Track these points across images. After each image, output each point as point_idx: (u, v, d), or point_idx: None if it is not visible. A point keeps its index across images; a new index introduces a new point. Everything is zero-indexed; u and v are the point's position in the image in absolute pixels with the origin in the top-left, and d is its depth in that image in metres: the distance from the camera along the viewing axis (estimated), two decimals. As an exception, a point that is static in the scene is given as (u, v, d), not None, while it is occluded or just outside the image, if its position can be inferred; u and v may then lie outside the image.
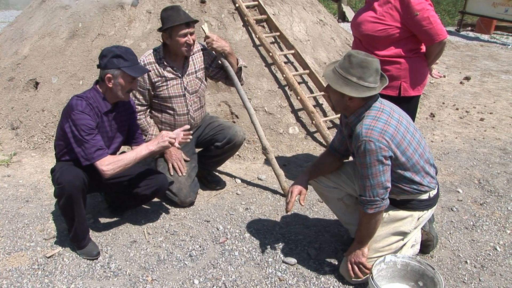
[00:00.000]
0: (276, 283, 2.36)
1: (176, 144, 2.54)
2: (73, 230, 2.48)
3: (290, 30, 4.77)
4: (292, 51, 4.41)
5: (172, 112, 3.06)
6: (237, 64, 3.13)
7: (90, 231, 2.64)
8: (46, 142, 3.95)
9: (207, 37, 3.02)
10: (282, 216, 3.01)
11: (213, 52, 3.07)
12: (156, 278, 2.37)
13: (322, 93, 4.20)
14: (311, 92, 4.44)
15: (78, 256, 2.53)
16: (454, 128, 4.73)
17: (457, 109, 5.30)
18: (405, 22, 2.74)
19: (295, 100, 4.25)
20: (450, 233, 2.84)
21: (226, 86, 4.01)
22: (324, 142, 4.03)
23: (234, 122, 4.03)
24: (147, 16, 4.43)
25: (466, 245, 2.72)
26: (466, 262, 2.56)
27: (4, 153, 3.84)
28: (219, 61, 3.13)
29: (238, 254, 2.59)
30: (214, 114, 3.76)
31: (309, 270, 2.46)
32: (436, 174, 2.35)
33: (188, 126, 2.65)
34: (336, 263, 2.52)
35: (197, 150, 3.31)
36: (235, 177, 3.55)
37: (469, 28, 10.81)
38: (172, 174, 3.03)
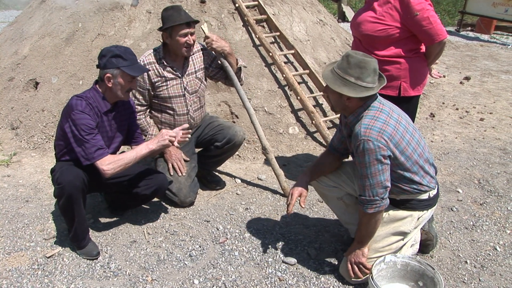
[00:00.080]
0: (276, 283, 2.36)
1: (175, 143, 2.54)
2: (73, 230, 2.48)
3: (290, 30, 4.77)
4: (292, 51, 4.41)
5: (172, 112, 3.06)
6: (237, 64, 3.13)
7: (90, 231, 2.64)
8: (46, 142, 3.95)
9: (206, 37, 3.02)
10: (282, 216, 3.01)
11: (213, 52, 3.07)
12: (156, 278, 2.37)
13: (322, 93, 4.20)
14: (311, 92, 4.44)
15: (78, 256, 2.53)
16: (454, 128, 4.73)
17: (457, 109, 5.30)
18: (405, 22, 2.74)
19: (295, 100, 4.25)
20: (450, 233, 2.84)
21: (226, 86, 4.01)
22: (324, 142, 4.03)
23: (234, 122, 4.03)
24: (147, 16, 4.43)
25: (466, 245, 2.72)
26: (466, 262, 2.56)
27: (4, 153, 3.84)
28: (219, 61, 3.13)
29: (238, 254, 2.59)
30: (214, 114, 3.76)
31: (309, 270, 2.46)
32: (435, 174, 2.35)
33: (187, 125, 2.64)
34: (336, 263, 2.52)
35: (197, 150, 3.31)
36: (235, 177, 3.55)
37: (469, 28, 10.81)
38: (172, 174, 3.03)
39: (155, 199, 3.06)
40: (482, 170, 3.75)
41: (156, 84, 2.95)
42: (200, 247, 2.65)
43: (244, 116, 3.99)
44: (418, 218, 2.32)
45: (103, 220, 2.90)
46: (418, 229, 2.42)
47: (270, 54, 4.23)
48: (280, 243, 2.70)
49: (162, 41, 2.98)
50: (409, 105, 2.89)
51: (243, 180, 3.51)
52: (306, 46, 4.81)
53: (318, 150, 4.02)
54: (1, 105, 4.36)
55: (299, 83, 4.31)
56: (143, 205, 3.01)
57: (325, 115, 4.36)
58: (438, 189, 2.39)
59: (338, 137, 2.48)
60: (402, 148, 2.14)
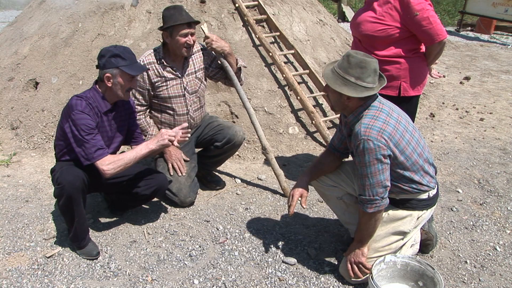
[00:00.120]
0: (276, 283, 2.36)
1: (175, 143, 2.54)
2: (73, 230, 2.48)
3: (290, 30, 4.77)
4: (292, 51, 4.41)
5: (171, 112, 3.06)
6: (237, 64, 3.13)
7: (90, 231, 2.64)
8: (46, 142, 3.95)
9: (206, 37, 3.03)
10: (282, 216, 3.01)
11: (213, 52, 3.07)
12: (156, 278, 2.37)
13: (322, 93, 4.20)
14: (311, 92, 4.44)
15: (78, 256, 2.53)
16: (454, 128, 4.73)
17: (457, 109, 5.30)
18: (404, 22, 2.74)
19: (295, 100, 4.25)
20: (450, 233, 2.84)
21: (225, 86, 4.01)
22: (324, 142, 4.03)
23: (234, 122, 4.03)
24: (147, 16, 4.43)
25: (466, 245, 2.72)
26: (466, 262, 2.56)
27: (4, 153, 3.84)
28: (219, 61, 3.13)
29: (238, 254, 2.59)
30: (214, 114, 3.76)
31: (309, 270, 2.46)
32: (435, 174, 2.35)
33: (186, 124, 2.64)
34: (336, 263, 2.52)
35: (197, 150, 3.31)
36: (235, 177, 3.55)
37: (469, 28, 10.81)
38: (172, 174, 3.03)
39: (155, 199, 3.06)
40: (482, 170, 3.75)
41: (156, 84, 2.95)
42: (200, 247, 2.65)
43: (244, 116, 3.99)
44: (418, 218, 2.32)
45: (103, 220, 2.90)
46: (417, 229, 2.42)
47: (270, 54, 4.23)
48: (280, 243, 2.70)
49: (162, 41, 2.98)
50: (409, 105, 2.89)
51: (243, 180, 3.51)
52: (306, 46, 4.81)
53: (318, 150, 4.02)
54: (1, 105, 4.36)
55: (299, 83, 4.31)
56: (143, 205, 3.01)
57: (325, 115, 4.36)
58: (437, 189, 2.39)
59: (338, 136, 2.49)
60: (402, 147, 2.14)
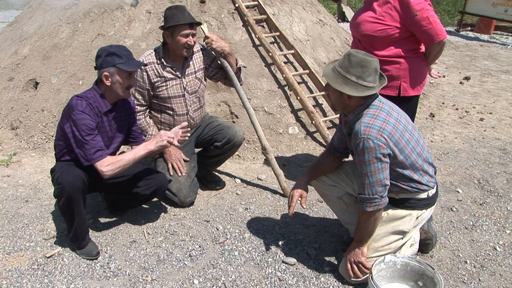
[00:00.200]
0: (276, 283, 2.36)
1: (175, 142, 2.55)
2: (73, 230, 2.48)
3: (289, 30, 4.77)
4: (292, 51, 4.41)
5: (171, 112, 3.06)
6: (237, 64, 3.14)
7: (90, 231, 2.64)
8: (46, 142, 3.95)
9: (206, 37, 3.03)
10: (282, 216, 3.01)
11: (213, 52, 3.07)
12: (155, 278, 2.37)
13: (322, 93, 4.21)
14: (311, 92, 4.44)
15: (77, 256, 2.53)
16: (453, 128, 4.73)
17: (456, 109, 5.31)
18: (404, 22, 2.74)
19: (294, 100, 4.25)
20: (449, 233, 2.84)
21: (225, 86, 4.01)
22: (323, 142, 4.03)
23: (233, 122, 4.03)
24: (146, 16, 4.43)
25: (466, 245, 2.72)
26: (465, 262, 2.56)
27: (4, 153, 3.84)
28: (219, 62, 3.13)
29: (237, 254, 2.59)
30: (214, 114, 3.76)
31: (309, 270, 2.46)
32: (435, 174, 2.36)
33: (185, 124, 2.65)
34: (336, 263, 2.52)
35: (197, 150, 3.31)
36: (234, 177, 3.55)
37: (469, 28, 10.81)
38: (171, 174, 3.03)
39: (155, 199, 3.06)
40: (482, 170, 3.75)
41: (156, 84, 2.95)
42: (200, 247, 2.65)
43: (244, 116, 4.00)
44: (417, 217, 2.32)
45: (103, 220, 2.90)
46: (417, 229, 2.42)
47: (270, 54, 4.23)
48: (280, 243, 2.70)
49: (162, 41, 2.98)
50: (408, 105, 2.89)
51: (243, 180, 3.51)
52: (306, 46, 4.81)
53: (318, 150, 4.02)
54: (1, 105, 4.36)
55: (299, 83, 4.31)
56: (143, 205, 3.01)
57: (325, 115, 4.36)
58: (437, 189, 2.39)
59: (338, 136, 2.49)
60: (401, 146, 2.14)
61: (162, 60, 2.94)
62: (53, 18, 4.76)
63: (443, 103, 5.48)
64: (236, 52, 4.17)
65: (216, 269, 2.45)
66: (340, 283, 2.37)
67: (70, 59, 4.35)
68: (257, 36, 4.36)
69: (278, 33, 4.49)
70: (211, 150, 3.24)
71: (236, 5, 4.51)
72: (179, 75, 3.00)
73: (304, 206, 2.47)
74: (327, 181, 2.53)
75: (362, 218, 2.22)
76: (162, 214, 2.99)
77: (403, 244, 2.38)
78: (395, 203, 2.31)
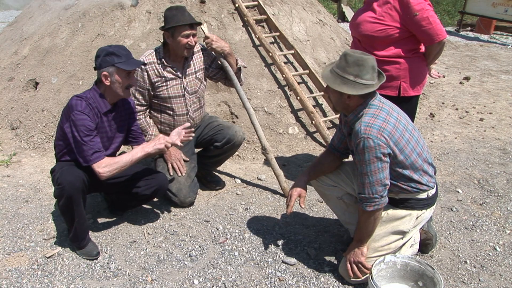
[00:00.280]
0: (276, 283, 2.36)
1: (178, 142, 2.56)
2: (73, 230, 2.48)
3: (289, 30, 4.77)
4: (292, 51, 4.41)
5: (171, 112, 3.06)
6: (237, 65, 3.14)
7: (90, 231, 2.64)
8: (46, 142, 3.95)
9: (206, 37, 3.03)
10: (282, 216, 3.02)
11: (213, 52, 3.08)
12: (155, 278, 2.37)
13: (322, 93, 4.20)
14: (311, 92, 4.44)
15: (77, 256, 2.53)
16: (453, 128, 4.74)
17: (456, 109, 5.31)
18: (404, 23, 2.74)
19: (294, 100, 4.25)
20: (449, 233, 2.84)
21: (225, 87, 4.01)
22: (323, 142, 4.03)
23: (233, 122, 4.03)
24: (146, 16, 4.43)
25: (466, 245, 2.72)
26: (465, 262, 2.56)
27: (4, 153, 3.84)
28: (219, 62, 3.13)
29: (237, 254, 2.59)
30: (214, 114, 3.76)
31: (308, 270, 2.46)
32: (434, 174, 2.36)
33: (188, 124, 2.66)
34: (336, 263, 2.52)
35: (197, 150, 3.31)
36: (234, 177, 3.55)
37: (469, 28, 10.82)
38: (171, 174, 3.03)
39: (155, 199, 3.06)
40: (482, 170, 3.76)
41: (156, 84, 2.95)
42: (200, 247, 2.65)
43: (243, 116, 4.00)
44: (417, 217, 2.32)
45: (103, 220, 2.90)
46: (417, 229, 2.42)
47: (270, 54, 4.23)
48: (280, 243, 2.70)
49: (162, 41, 2.98)
50: (408, 105, 2.89)
51: (243, 180, 3.51)
52: (306, 46, 4.81)
53: (317, 150, 4.02)
54: (1, 105, 4.36)
55: (299, 83, 4.31)
56: (143, 205, 3.01)
57: (324, 115, 4.36)
58: (437, 189, 2.39)
59: (339, 136, 2.49)
60: (401, 146, 2.15)
61: (163, 60, 2.94)
62: (53, 18, 4.76)
63: (443, 103, 5.48)
64: (236, 52, 4.18)
65: (216, 269, 2.45)
66: (340, 283, 2.37)
67: (70, 59, 4.35)
68: (257, 36, 4.36)
69: (278, 33, 4.49)
70: (211, 150, 3.24)
71: (236, 5, 4.51)
72: (180, 75, 3.00)
73: (303, 206, 2.47)
74: (327, 181, 2.53)
75: (362, 218, 2.22)
76: (162, 214, 2.99)
77: (403, 244, 2.38)
78: (395, 203, 2.32)
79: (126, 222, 2.87)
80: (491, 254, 2.64)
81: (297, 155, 3.96)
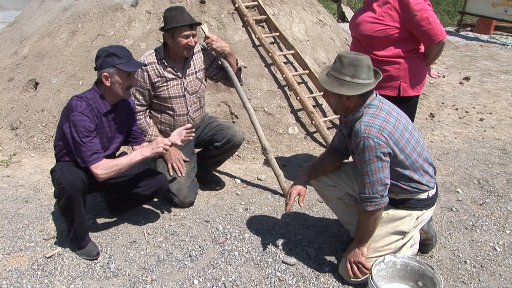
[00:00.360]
0: (275, 283, 2.36)
1: (178, 142, 2.56)
2: (73, 231, 2.48)
3: (289, 31, 4.77)
4: (292, 51, 4.41)
5: (171, 112, 3.06)
6: (237, 65, 3.14)
7: (90, 231, 2.64)
8: (46, 142, 3.95)
9: (206, 37, 3.03)
10: (282, 216, 3.02)
11: (213, 52, 3.08)
12: (155, 278, 2.37)
13: (322, 93, 4.20)
14: (311, 92, 4.44)
15: (77, 256, 2.53)
16: (453, 128, 4.74)
17: (456, 109, 5.31)
18: (404, 23, 2.74)
19: (294, 100, 4.26)
20: (449, 233, 2.85)
21: (225, 87, 4.01)
22: (323, 142, 4.03)
23: (233, 122, 4.03)
24: (146, 17, 4.43)
25: (466, 245, 2.72)
26: (465, 262, 2.56)
27: (3, 153, 3.84)
28: (219, 62, 3.14)
29: (237, 255, 2.59)
30: (214, 114, 3.76)
31: (308, 270, 2.47)
32: (434, 174, 2.36)
33: (190, 125, 2.66)
34: (336, 263, 2.52)
35: (197, 150, 3.31)
36: (234, 177, 3.55)
37: (469, 28, 10.82)
38: (171, 174, 3.03)
39: (155, 199, 3.06)
40: (482, 170, 3.76)
41: (157, 84, 2.95)
42: (199, 247, 2.65)
43: (243, 116, 4.00)
44: (417, 218, 2.32)
45: (103, 220, 2.90)
46: (417, 229, 2.42)
47: (270, 54, 4.24)
48: (279, 244, 2.70)
49: (162, 41, 2.98)
50: (408, 105, 2.89)
51: (242, 180, 3.51)
52: (306, 47, 4.81)
53: (317, 150, 4.02)
54: (1, 105, 4.36)
55: (298, 83, 4.31)
56: (143, 205, 3.01)
57: (324, 115, 4.36)
58: (437, 189, 2.39)
59: (339, 137, 2.49)
60: (401, 146, 2.15)
61: (163, 60, 2.94)
62: (53, 19, 4.76)
63: (443, 103, 5.48)
64: (236, 53, 4.18)
65: (216, 269, 2.45)
66: (340, 283, 2.37)
67: (70, 59, 4.35)
68: (257, 36, 4.36)
69: (278, 34, 4.49)
70: (210, 151, 3.24)
71: (236, 5, 4.51)
72: (180, 75, 3.00)
73: (302, 205, 2.47)
74: (327, 181, 2.53)
75: (362, 218, 2.22)
76: (162, 214, 2.99)
77: (403, 245, 2.38)
78: (395, 204, 2.32)
79: (126, 222, 2.87)
80: (491, 254, 2.64)
81: (297, 155, 3.96)
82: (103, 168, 2.39)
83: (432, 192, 2.32)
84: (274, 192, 3.35)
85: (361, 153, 2.11)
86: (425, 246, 2.58)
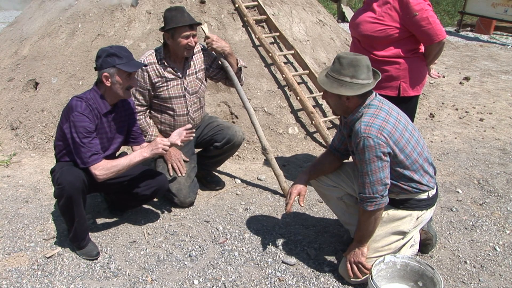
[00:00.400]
0: (275, 283, 2.36)
1: (178, 142, 2.56)
2: (73, 231, 2.48)
3: (289, 31, 4.77)
4: (292, 52, 4.41)
5: (172, 112, 3.06)
6: (237, 65, 3.14)
7: (90, 231, 2.64)
8: (46, 142, 3.95)
9: (207, 37, 3.03)
10: (282, 216, 3.02)
11: (213, 52, 3.08)
12: (155, 278, 2.37)
13: (321, 93, 4.20)
14: (311, 92, 4.44)
15: (77, 256, 2.53)
16: (453, 129, 4.74)
17: (456, 109, 5.31)
18: (404, 23, 2.74)
19: (294, 100, 4.26)
20: (449, 233, 2.85)
21: (225, 87, 4.02)
22: (323, 143, 4.03)
23: (233, 122, 4.03)
24: (146, 17, 4.43)
25: (466, 245, 2.72)
26: (465, 262, 2.56)
27: (3, 153, 3.84)
28: (219, 62, 3.14)
29: (237, 255, 2.59)
30: (214, 115, 3.76)
31: (308, 270, 2.47)
32: (435, 174, 2.36)
33: (190, 125, 2.67)
34: (336, 263, 2.52)
35: (196, 150, 3.31)
36: (234, 177, 3.55)
37: (469, 29, 10.82)
38: (171, 174, 3.03)
39: (155, 199, 3.06)
40: (482, 170, 3.76)
41: (157, 84, 2.95)
42: (199, 247, 2.65)
43: (243, 116, 4.00)
44: (417, 218, 2.32)
45: (103, 220, 2.90)
46: (417, 229, 2.42)
47: (270, 54, 4.24)
48: (279, 244, 2.70)
49: (162, 41, 2.98)
50: (408, 105, 2.89)
51: (242, 181, 3.51)
52: (306, 47, 4.82)
53: (317, 151, 4.02)
54: (1, 106, 4.36)
55: (298, 83, 4.32)
56: (143, 205, 3.01)
57: (324, 115, 4.36)
58: (437, 189, 2.39)
59: (339, 137, 2.50)
60: (401, 146, 2.15)
61: (163, 60, 2.94)
62: (53, 19, 4.76)
63: (443, 103, 5.49)
64: (236, 53, 4.18)
65: (216, 270, 2.45)
66: (340, 283, 2.37)
67: (70, 59, 4.35)
68: (257, 36, 4.36)
69: (278, 34, 4.49)
70: (210, 151, 3.24)
71: (236, 5, 4.51)
72: (180, 76, 3.00)
73: (302, 204, 2.47)
74: (327, 181, 2.53)
75: (363, 218, 2.22)
76: (162, 214, 2.99)
77: (404, 245, 2.38)
78: (395, 204, 2.32)
79: (126, 222, 2.87)
80: (491, 254, 2.64)
81: (297, 155, 3.96)
82: (102, 169, 2.39)
83: (432, 192, 2.32)
84: (274, 192, 3.35)
85: (361, 153, 2.11)
86: (425, 246, 2.58)
